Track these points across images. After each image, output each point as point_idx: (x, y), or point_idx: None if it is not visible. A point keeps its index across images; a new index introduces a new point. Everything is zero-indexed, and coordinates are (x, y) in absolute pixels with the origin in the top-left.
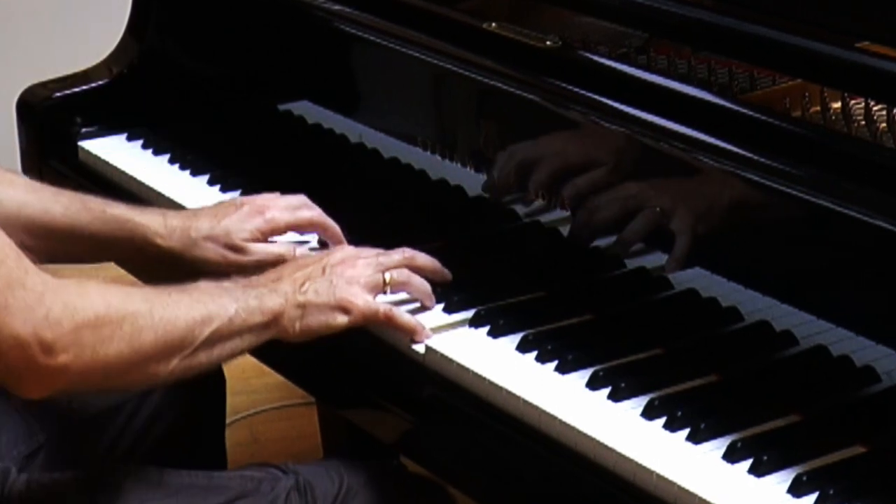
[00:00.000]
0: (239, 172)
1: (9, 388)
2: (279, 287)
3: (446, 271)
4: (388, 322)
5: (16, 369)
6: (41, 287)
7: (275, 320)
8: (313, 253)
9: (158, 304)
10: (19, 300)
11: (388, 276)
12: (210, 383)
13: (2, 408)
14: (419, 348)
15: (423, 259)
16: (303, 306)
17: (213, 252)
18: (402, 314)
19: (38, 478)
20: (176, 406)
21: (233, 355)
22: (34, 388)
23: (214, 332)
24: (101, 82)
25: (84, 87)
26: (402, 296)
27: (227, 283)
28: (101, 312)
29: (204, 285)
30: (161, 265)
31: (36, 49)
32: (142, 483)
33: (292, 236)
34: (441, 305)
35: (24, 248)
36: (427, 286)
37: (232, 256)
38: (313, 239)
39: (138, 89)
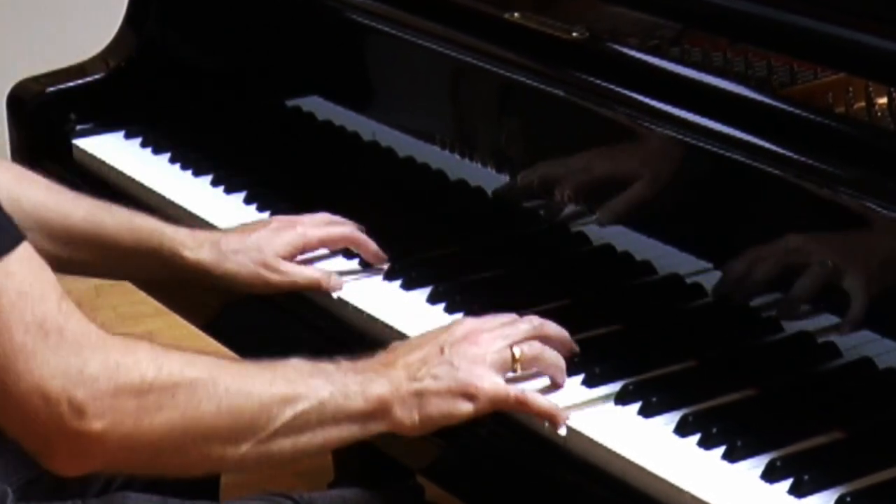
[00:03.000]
0: (243, 172)
1: (41, 459)
2: (389, 373)
3: (574, 344)
4: (521, 407)
5: (43, 432)
6: (82, 338)
7: (382, 409)
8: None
9: (227, 375)
10: (51, 347)
11: (517, 350)
12: None
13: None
14: None
15: (552, 328)
16: (420, 394)
17: (243, 267)
18: (537, 397)
19: None
20: None
21: (329, 445)
22: (66, 460)
23: (300, 416)
24: (97, 76)
25: (79, 82)
26: None
27: (327, 365)
28: (148, 376)
29: (296, 363)
30: (185, 281)
31: (28, 41)
32: None
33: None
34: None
35: (41, 251)
36: (561, 360)
37: (264, 273)
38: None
39: (137, 84)
